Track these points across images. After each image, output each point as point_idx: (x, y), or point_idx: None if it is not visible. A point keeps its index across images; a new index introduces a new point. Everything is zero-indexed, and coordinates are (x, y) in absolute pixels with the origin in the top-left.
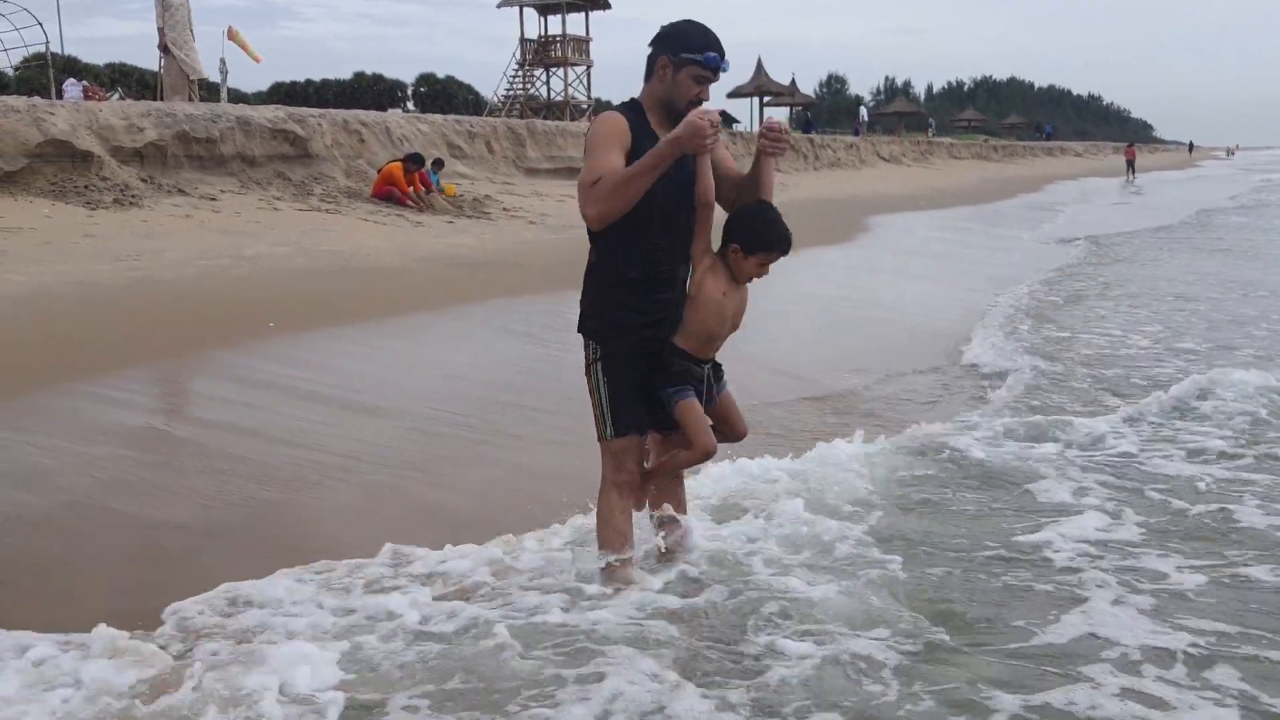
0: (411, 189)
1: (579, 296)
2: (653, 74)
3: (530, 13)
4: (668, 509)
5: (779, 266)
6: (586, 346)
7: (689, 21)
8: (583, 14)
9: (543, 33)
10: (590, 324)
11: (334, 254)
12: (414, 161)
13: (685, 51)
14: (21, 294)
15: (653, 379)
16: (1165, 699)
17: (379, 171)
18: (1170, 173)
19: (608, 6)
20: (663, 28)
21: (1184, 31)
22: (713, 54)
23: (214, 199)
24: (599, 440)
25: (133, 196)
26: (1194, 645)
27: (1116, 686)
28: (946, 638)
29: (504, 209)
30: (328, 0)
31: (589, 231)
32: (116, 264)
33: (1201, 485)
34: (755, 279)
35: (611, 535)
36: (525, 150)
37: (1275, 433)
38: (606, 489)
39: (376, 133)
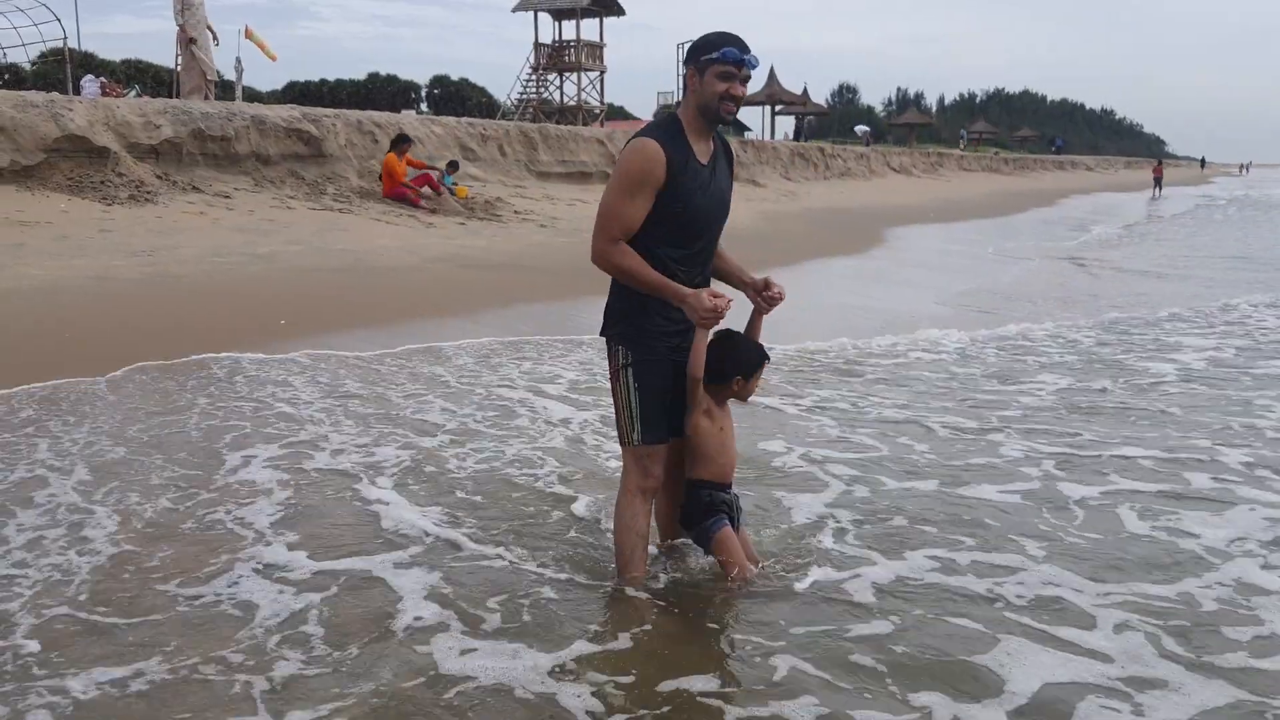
0: (425, 187)
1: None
2: (687, 89)
3: (545, 17)
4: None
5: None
6: (614, 352)
7: (709, 32)
8: (597, 19)
9: (557, 37)
10: (619, 329)
11: (346, 253)
12: (401, 141)
13: (704, 55)
14: (38, 287)
15: (677, 386)
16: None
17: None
18: (1185, 188)
19: (621, 13)
20: (693, 44)
21: (1198, 47)
22: (730, 49)
23: (228, 196)
24: (623, 445)
25: (148, 193)
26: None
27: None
28: None
29: (515, 212)
30: (343, 1)
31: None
32: (131, 259)
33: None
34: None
35: (635, 540)
36: (537, 154)
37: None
38: (629, 494)
39: (390, 133)
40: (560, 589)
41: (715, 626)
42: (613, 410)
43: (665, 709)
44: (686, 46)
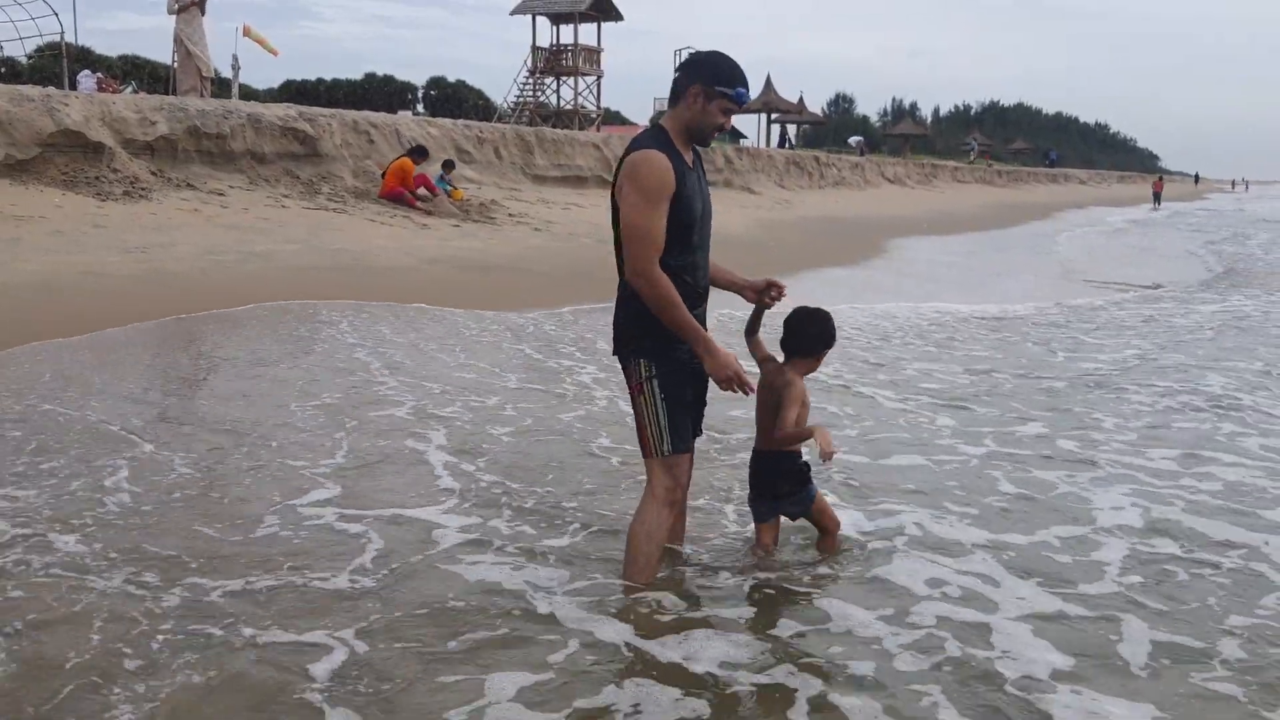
0: (421, 189)
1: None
2: (681, 99)
3: (543, 21)
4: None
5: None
6: (635, 367)
7: (721, 54)
8: (595, 24)
9: (554, 41)
10: (638, 343)
11: (342, 252)
12: (419, 154)
13: (719, 84)
14: (32, 281)
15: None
16: None
17: (385, 172)
18: (1179, 203)
19: (620, 18)
20: (695, 56)
21: (1193, 63)
22: (742, 89)
23: (223, 194)
24: (649, 458)
25: (142, 189)
26: None
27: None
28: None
29: (510, 215)
30: (346, 1)
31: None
32: (125, 255)
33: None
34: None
35: (653, 549)
36: (533, 157)
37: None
38: (655, 505)
39: (386, 134)
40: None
41: (689, 559)
42: (634, 425)
43: (633, 607)
44: (691, 53)
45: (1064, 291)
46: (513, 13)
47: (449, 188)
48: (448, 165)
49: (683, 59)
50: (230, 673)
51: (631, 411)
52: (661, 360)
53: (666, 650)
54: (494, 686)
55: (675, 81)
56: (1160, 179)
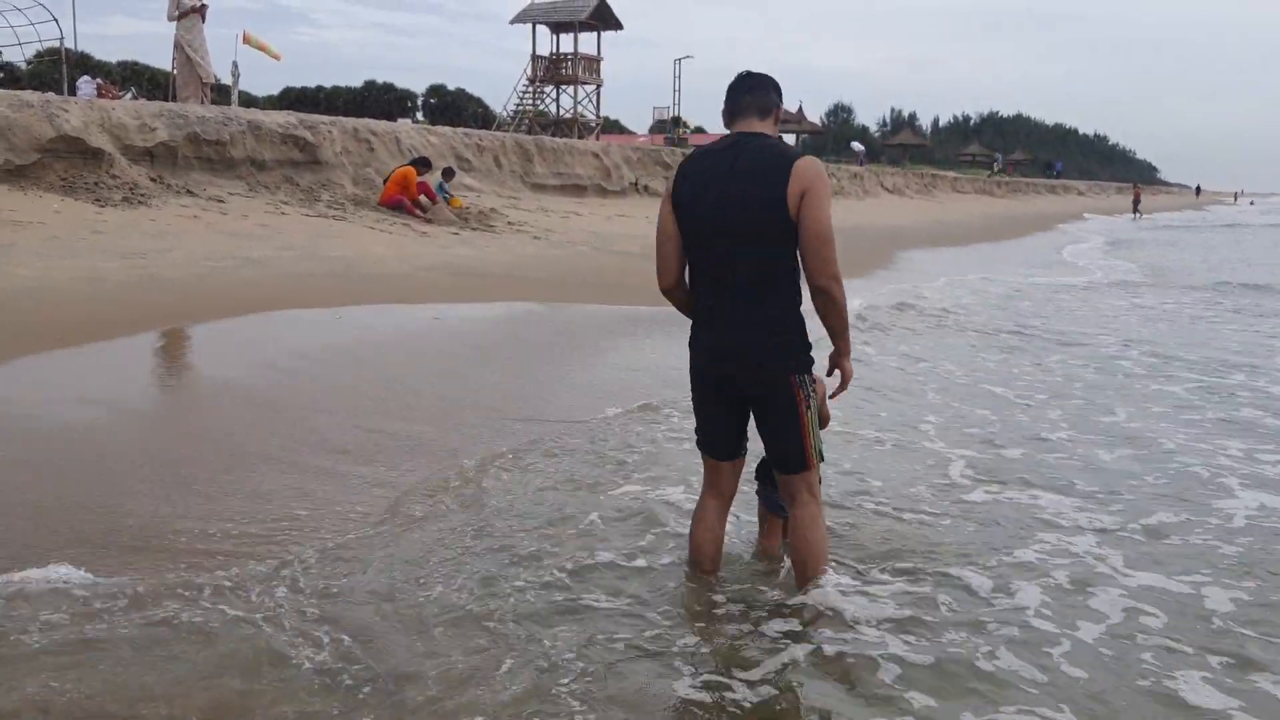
0: (422, 196)
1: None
2: (769, 116)
3: (543, 30)
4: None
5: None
6: (801, 383)
7: None
8: (595, 33)
9: (554, 50)
10: (804, 358)
11: (339, 260)
12: (423, 164)
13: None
14: (27, 287)
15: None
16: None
17: (387, 178)
18: (1176, 214)
19: (619, 26)
20: (769, 78)
21: (1191, 70)
22: None
23: (222, 201)
24: (809, 469)
25: (142, 195)
26: None
27: None
28: None
29: (509, 223)
30: (342, 8)
31: (786, 257)
32: (122, 261)
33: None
34: None
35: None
36: (533, 166)
37: None
38: (821, 511)
39: (386, 142)
40: None
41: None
42: (797, 443)
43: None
44: (758, 75)
45: None
46: (513, 21)
47: (448, 195)
48: (447, 173)
49: (760, 76)
50: (565, 620)
51: (772, 426)
52: (811, 373)
53: (854, 603)
54: (752, 615)
55: (765, 98)
56: (1136, 186)
